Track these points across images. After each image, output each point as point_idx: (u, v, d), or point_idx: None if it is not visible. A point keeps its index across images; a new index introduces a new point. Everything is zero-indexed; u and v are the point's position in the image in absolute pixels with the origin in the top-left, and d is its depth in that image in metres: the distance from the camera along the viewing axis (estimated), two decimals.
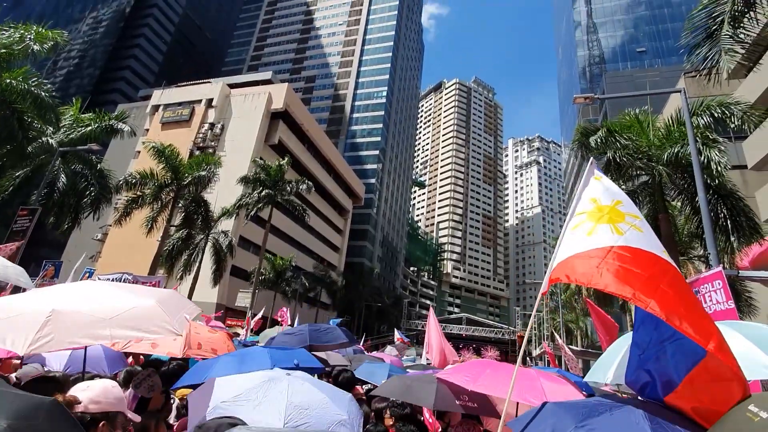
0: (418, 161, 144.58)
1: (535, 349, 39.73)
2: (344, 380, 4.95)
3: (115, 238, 37.62)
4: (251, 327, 15.35)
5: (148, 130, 46.97)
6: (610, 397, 2.30)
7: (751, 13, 8.31)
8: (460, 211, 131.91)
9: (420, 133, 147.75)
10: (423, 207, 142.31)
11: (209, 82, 50.71)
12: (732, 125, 11.53)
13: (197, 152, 38.24)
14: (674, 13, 64.48)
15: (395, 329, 21.34)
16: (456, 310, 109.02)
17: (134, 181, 20.64)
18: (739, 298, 14.31)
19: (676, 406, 2.05)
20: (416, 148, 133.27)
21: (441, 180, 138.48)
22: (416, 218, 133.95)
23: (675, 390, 2.05)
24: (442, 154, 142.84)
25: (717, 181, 11.55)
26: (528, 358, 40.84)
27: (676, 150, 11.49)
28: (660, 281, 2.15)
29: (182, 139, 40.70)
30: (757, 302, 15.76)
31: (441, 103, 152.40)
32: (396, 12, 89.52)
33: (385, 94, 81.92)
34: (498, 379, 3.70)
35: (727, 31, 8.16)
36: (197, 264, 24.16)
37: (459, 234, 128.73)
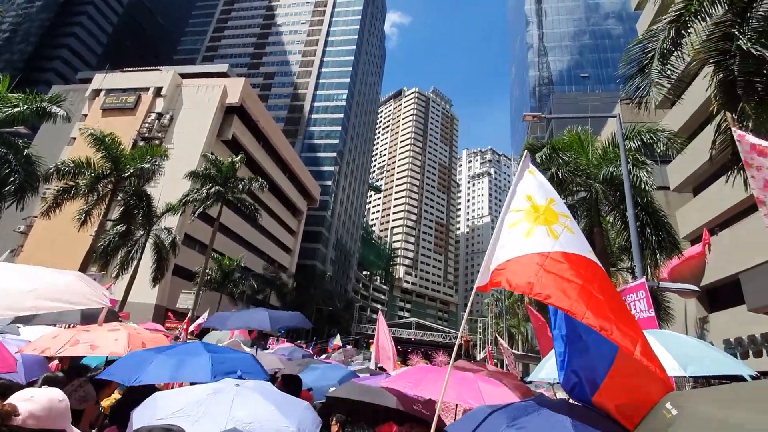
0: (375, 166, 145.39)
1: (479, 353, 41.13)
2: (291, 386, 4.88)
3: (41, 230, 34.41)
4: (191, 330, 14.65)
5: (86, 115, 43.53)
6: (540, 400, 2.47)
7: (678, 51, 9.27)
8: (414, 217, 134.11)
9: (378, 138, 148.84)
10: (378, 212, 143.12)
11: (159, 69, 47.95)
12: (658, 150, 12.77)
13: (142, 143, 35.96)
14: (614, 45, 70.14)
15: (337, 335, 21.22)
16: (406, 314, 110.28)
17: (67, 169, 19.00)
18: (659, 308, 15.76)
19: (602, 406, 2.18)
20: (374, 153, 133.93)
21: (397, 186, 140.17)
22: (371, 222, 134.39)
23: (599, 389, 2.21)
24: (399, 160, 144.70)
25: (645, 200, 12.72)
26: (473, 361, 42.23)
27: (610, 169, 12.51)
28: (592, 287, 2.23)
29: (125, 128, 38.11)
30: (674, 311, 17.43)
31: (400, 110, 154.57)
32: (360, 16, 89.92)
33: (345, 97, 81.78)
34: (438, 383, 3.84)
35: (656, 66, 9.03)
36: (136, 262, 22.66)
37: (412, 240, 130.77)
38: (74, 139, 39.68)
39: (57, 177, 19.15)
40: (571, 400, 2.46)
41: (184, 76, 46.51)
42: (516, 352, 25.65)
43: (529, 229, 2.58)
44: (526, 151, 3.05)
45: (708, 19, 8.67)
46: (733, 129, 2.59)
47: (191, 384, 3.22)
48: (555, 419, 2.05)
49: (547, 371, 3.59)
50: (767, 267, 9.85)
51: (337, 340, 19.39)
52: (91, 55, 78.33)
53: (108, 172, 19.31)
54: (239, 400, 2.53)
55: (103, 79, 45.79)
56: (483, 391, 3.68)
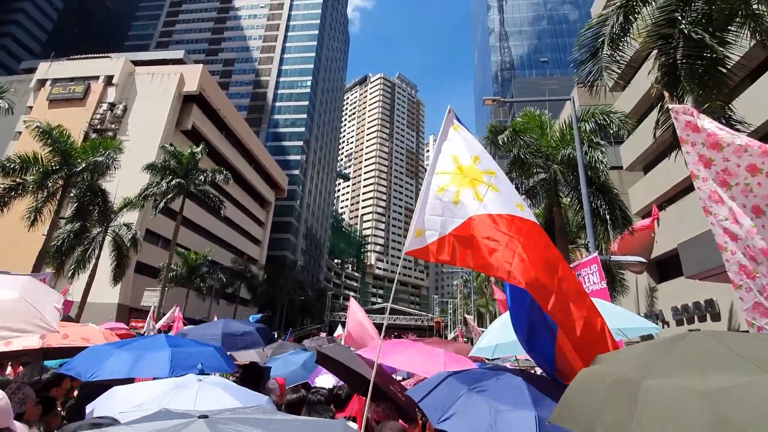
0: (342, 153, 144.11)
1: (450, 333, 42.35)
2: (250, 378, 4.86)
3: None
4: (158, 327, 14.26)
5: (31, 107, 40.62)
6: (497, 366, 2.61)
7: (626, 36, 9.72)
8: (383, 203, 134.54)
9: (345, 125, 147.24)
10: (347, 199, 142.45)
11: (109, 56, 45.13)
12: (612, 131, 13.42)
13: (94, 135, 34.00)
14: (571, 30, 72.14)
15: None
16: (379, 300, 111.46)
17: (13, 166, 17.76)
18: (614, 280, 16.76)
19: (564, 379, 2.25)
20: (341, 141, 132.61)
21: (365, 173, 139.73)
22: (340, 210, 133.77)
23: (555, 362, 2.30)
24: (366, 147, 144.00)
25: (600, 179, 13.36)
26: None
27: (568, 151, 13.05)
28: (515, 246, 2.26)
29: (75, 120, 35.84)
30: (628, 282, 18.58)
31: (366, 96, 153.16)
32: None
33: (309, 83, 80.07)
34: (406, 355, 4.03)
35: (606, 51, 9.44)
36: (94, 261, 21.64)
37: (382, 226, 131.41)
38: (20, 133, 36.97)
39: (2, 174, 17.90)
40: (521, 368, 2.57)
41: (136, 63, 44.06)
42: (484, 329, 26.65)
43: (456, 194, 2.54)
44: (449, 106, 2.93)
45: (653, 3, 9.12)
46: (669, 106, 2.76)
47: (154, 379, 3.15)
48: (513, 383, 2.19)
49: (487, 341, 3.78)
50: (700, 238, 10.69)
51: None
52: (35, 44, 72.66)
53: (57, 167, 18.22)
54: (202, 394, 2.48)
55: (48, 68, 42.70)
56: (446, 365, 3.85)
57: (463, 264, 2.50)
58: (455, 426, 1.93)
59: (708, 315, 15.77)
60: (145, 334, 12.53)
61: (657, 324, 13.06)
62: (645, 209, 20.28)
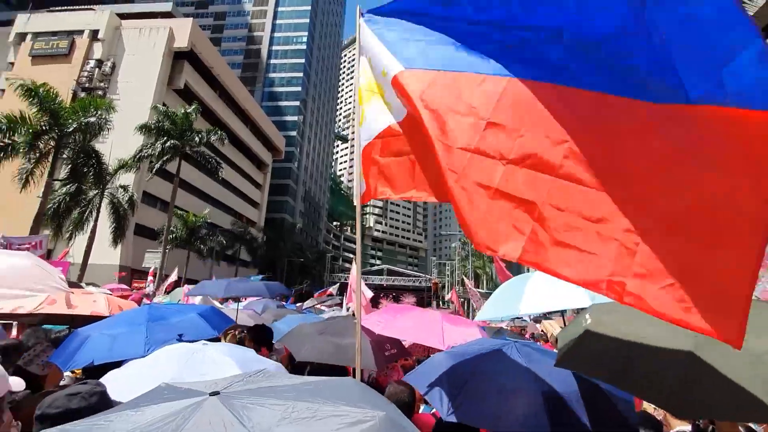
0: (341, 114, 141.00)
1: (447, 293, 43.43)
2: (262, 339, 4.91)
3: None
4: (164, 289, 14.42)
5: (12, 63, 38.97)
6: (496, 343, 2.48)
7: None
8: None
9: (343, 84, 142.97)
10: (346, 161, 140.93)
11: (92, 8, 42.83)
12: None
13: (83, 94, 32.91)
14: None
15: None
16: (378, 262, 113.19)
17: (0, 126, 17.27)
18: None
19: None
20: (339, 101, 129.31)
21: None
22: (339, 173, 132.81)
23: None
24: None
25: None
26: (441, 302, 44.60)
27: None
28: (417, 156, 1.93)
29: (62, 78, 34.48)
30: None
31: None
32: None
33: (305, 39, 76.82)
34: (406, 323, 4.03)
35: None
36: (92, 223, 21.58)
37: None
38: (2, 90, 35.74)
39: None
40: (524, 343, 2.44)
41: (122, 16, 41.91)
42: (481, 290, 27.20)
43: (362, 115, 2.23)
44: (357, 6, 2.46)
45: None
46: None
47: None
48: (515, 362, 2.12)
49: (494, 310, 3.76)
50: None
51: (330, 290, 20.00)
52: None
53: (47, 127, 17.70)
54: (201, 362, 2.39)
55: (28, 21, 40.57)
56: (445, 333, 3.83)
57: (377, 196, 2.19)
58: (464, 417, 1.90)
59: None
60: (149, 293, 12.72)
61: None
62: None
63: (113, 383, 2.04)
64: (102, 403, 1.57)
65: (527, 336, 9.43)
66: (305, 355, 3.73)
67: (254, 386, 1.20)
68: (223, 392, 1.07)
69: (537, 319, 12.20)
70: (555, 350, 2.31)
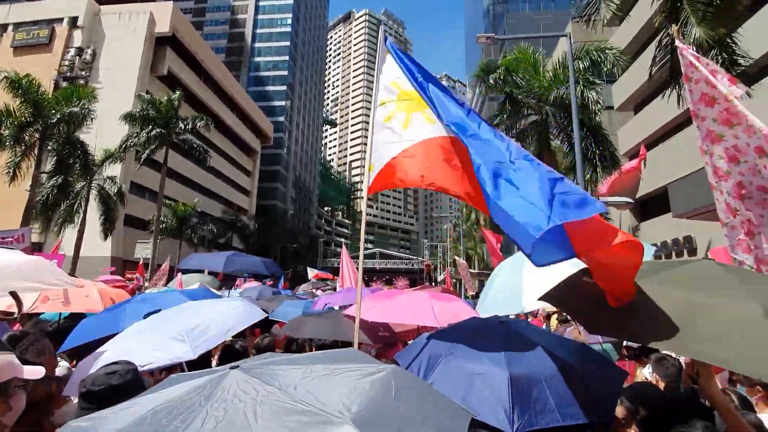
0: (328, 98, 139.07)
1: (439, 275, 43.93)
2: (261, 324, 5.06)
3: None
4: (161, 283, 14.46)
5: None
6: (478, 322, 2.48)
7: None
8: None
9: (329, 68, 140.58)
10: (335, 146, 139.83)
11: None
12: (605, 69, 13.07)
13: (65, 84, 32.05)
14: None
15: (308, 267, 21.80)
16: (370, 246, 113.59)
17: None
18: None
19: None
20: (326, 85, 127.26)
21: (352, 118, 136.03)
22: (329, 158, 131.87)
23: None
24: (353, 90, 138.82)
25: (594, 120, 13.16)
26: (435, 283, 45.23)
27: (561, 92, 12.78)
28: (467, 168, 2.18)
29: (43, 68, 33.48)
30: (612, 221, 19.16)
31: (351, 35, 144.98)
32: None
33: (290, 21, 75.05)
34: (394, 308, 4.22)
35: None
36: (81, 215, 21.36)
37: None
38: None
39: None
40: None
41: (101, 1, 40.50)
42: (473, 271, 27.65)
43: (406, 119, 2.49)
44: (381, 29, 2.92)
45: None
46: (677, 41, 2.68)
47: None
48: (490, 343, 2.08)
49: (490, 305, 3.78)
50: (691, 178, 10.92)
51: (316, 272, 20.07)
52: None
53: (31, 119, 17.36)
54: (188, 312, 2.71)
55: (8, 11, 39.10)
56: (436, 311, 3.99)
57: (413, 184, 2.48)
58: None
59: (685, 251, 16.51)
60: (143, 287, 12.78)
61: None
62: (633, 149, 20.38)
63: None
64: (136, 379, 1.74)
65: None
66: (304, 333, 4.15)
67: (269, 360, 1.36)
68: (242, 365, 1.20)
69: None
70: (544, 327, 2.33)
